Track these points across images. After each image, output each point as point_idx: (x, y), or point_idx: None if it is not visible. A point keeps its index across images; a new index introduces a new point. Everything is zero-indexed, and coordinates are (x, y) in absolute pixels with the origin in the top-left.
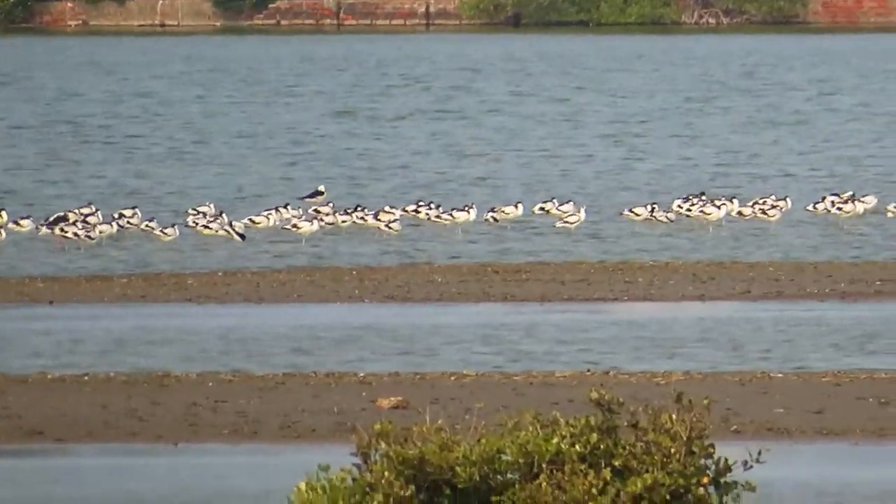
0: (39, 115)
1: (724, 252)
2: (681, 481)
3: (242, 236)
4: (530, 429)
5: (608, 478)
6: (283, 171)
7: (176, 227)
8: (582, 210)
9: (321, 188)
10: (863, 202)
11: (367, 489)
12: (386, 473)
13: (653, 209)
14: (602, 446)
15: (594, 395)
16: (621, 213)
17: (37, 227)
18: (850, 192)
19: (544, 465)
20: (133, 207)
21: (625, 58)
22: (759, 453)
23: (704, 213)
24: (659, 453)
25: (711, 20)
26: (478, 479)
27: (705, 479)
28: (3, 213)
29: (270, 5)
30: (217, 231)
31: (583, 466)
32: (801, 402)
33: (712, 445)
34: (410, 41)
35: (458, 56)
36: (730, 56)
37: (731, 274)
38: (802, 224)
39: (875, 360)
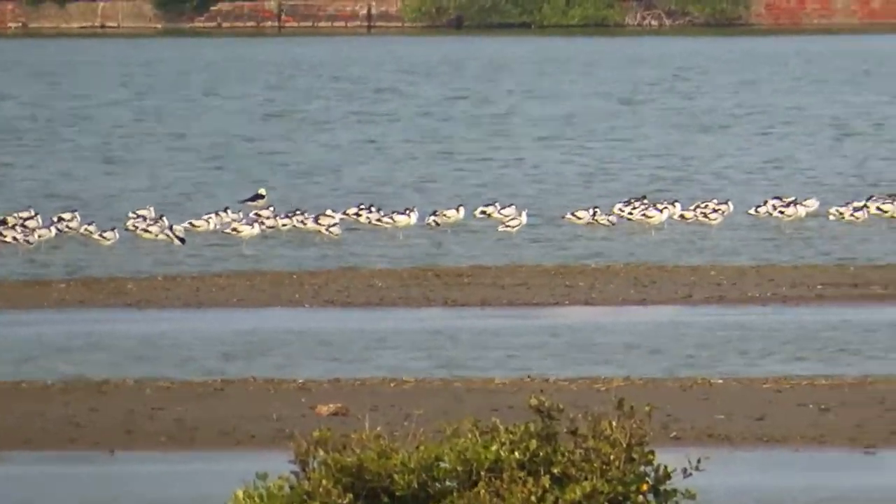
0: None
1: (665, 256)
2: (620, 489)
3: (182, 240)
4: (469, 436)
5: (547, 485)
6: (213, 175)
7: (116, 231)
8: (523, 214)
9: (262, 191)
10: (804, 205)
11: (305, 497)
12: (324, 481)
13: (594, 213)
14: (541, 453)
15: (534, 401)
16: (563, 217)
17: None
18: (793, 197)
19: (483, 473)
20: (73, 211)
21: (563, 60)
22: (700, 460)
23: (646, 216)
24: (598, 460)
25: (654, 22)
26: (416, 486)
27: (644, 487)
28: None
29: (212, 8)
30: (157, 235)
31: (522, 474)
32: (741, 408)
33: (652, 452)
34: (349, 43)
35: (393, 58)
36: (669, 58)
37: (673, 278)
38: (744, 228)
39: (816, 366)
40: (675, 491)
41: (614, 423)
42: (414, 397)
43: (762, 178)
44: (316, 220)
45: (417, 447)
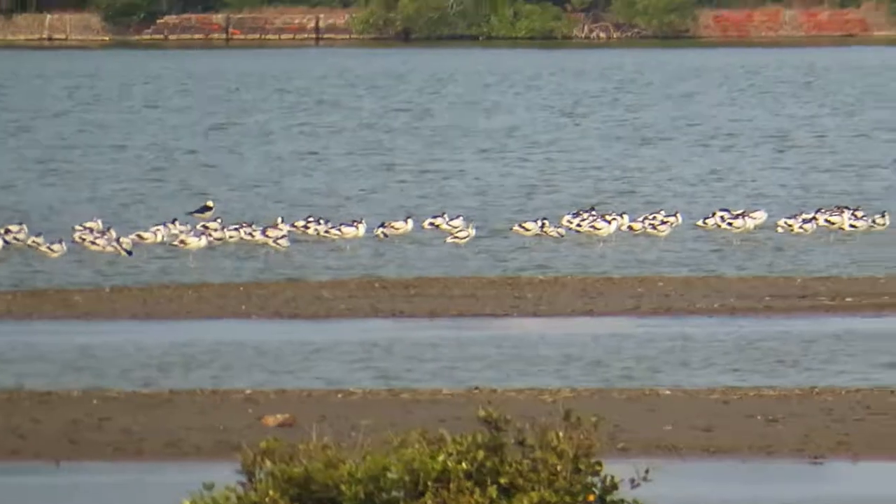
0: None
1: (613, 267)
2: (567, 499)
3: (129, 252)
4: (416, 446)
5: (494, 496)
6: (153, 187)
7: (63, 243)
8: (471, 225)
9: (209, 203)
10: (752, 217)
11: None
12: (271, 492)
13: (543, 224)
14: (489, 464)
15: (481, 412)
16: (511, 229)
17: None
18: (741, 209)
19: (430, 483)
20: (20, 223)
21: (509, 72)
22: (647, 471)
23: (595, 227)
24: (545, 471)
25: (602, 34)
26: (363, 496)
27: (591, 497)
28: None
29: (159, 20)
30: (105, 247)
31: (469, 484)
32: (689, 419)
33: (599, 463)
34: (296, 56)
35: (338, 71)
36: (614, 70)
37: (621, 289)
38: (692, 239)
39: (763, 377)
40: (622, 501)
41: (561, 434)
42: (361, 408)
43: (705, 189)
44: (263, 231)
45: (364, 458)
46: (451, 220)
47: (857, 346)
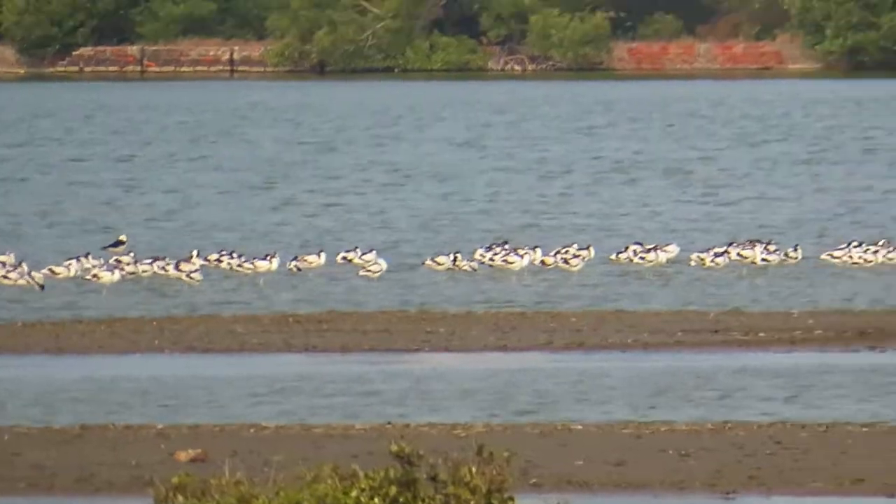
0: None
1: (526, 301)
2: None
3: (42, 286)
4: (329, 481)
5: None
6: (47, 219)
7: None
8: (382, 259)
9: (122, 237)
10: (665, 251)
11: None
12: None
13: (455, 258)
14: (401, 499)
15: (394, 447)
16: (424, 263)
17: None
18: (654, 243)
19: None
20: None
21: (419, 105)
22: None
23: (507, 261)
24: None
25: (517, 67)
26: None
27: None
28: None
29: (74, 52)
30: (17, 281)
31: None
32: (601, 453)
33: (512, 498)
34: (209, 88)
35: (248, 103)
36: (525, 103)
37: (534, 324)
38: (605, 273)
39: (675, 412)
40: None
41: (474, 469)
42: (273, 443)
43: (611, 223)
44: (177, 266)
45: (277, 493)
46: (364, 254)
47: (768, 381)
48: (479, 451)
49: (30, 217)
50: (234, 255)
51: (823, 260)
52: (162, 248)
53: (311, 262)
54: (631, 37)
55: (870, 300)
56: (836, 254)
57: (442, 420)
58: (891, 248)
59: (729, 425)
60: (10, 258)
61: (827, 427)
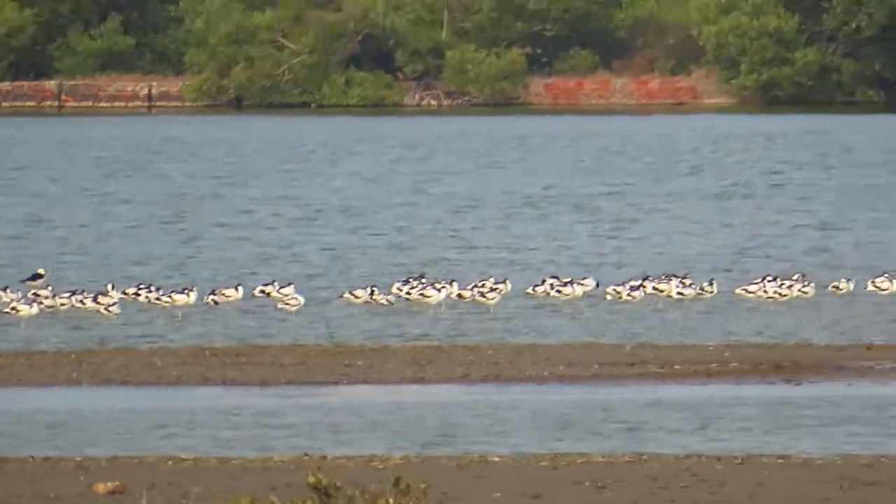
0: None
1: (443, 335)
2: None
3: None
4: None
5: None
6: None
7: None
8: (300, 294)
9: (41, 271)
10: (582, 284)
11: None
12: None
13: (372, 292)
14: None
15: (311, 479)
16: (341, 296)
17: None
18: (569, 277)
19: None
20: None
21: (332, 139)
22: None
23: (424, 295)
24: None
25: (434, 102)
26: None
27: None
28: None
29: None
30: None
31: None
32: (518, 486)
33: None
34: (123, 124)
35: (162, 138)
36: (438, 138)
37: (451, 357)
38: (521, 307)
39: (591, 444)
40: None
41: (391, 501)
42: (192, 475)
43: (521, 257)
44: (95, 299)
45: None
46: (281, 287)
47: (684, 414)
48: (397, 483)
49: None
50: (152, 288)
51: (738, 294)
52: (76, 282)
53: (228, 296)
54: (547, 72)
55: (784, 334)
56: (750, 288)
57: (359, 452)
58: (805, 283)
59: (645, 457)
60: None
61: (742, 459)
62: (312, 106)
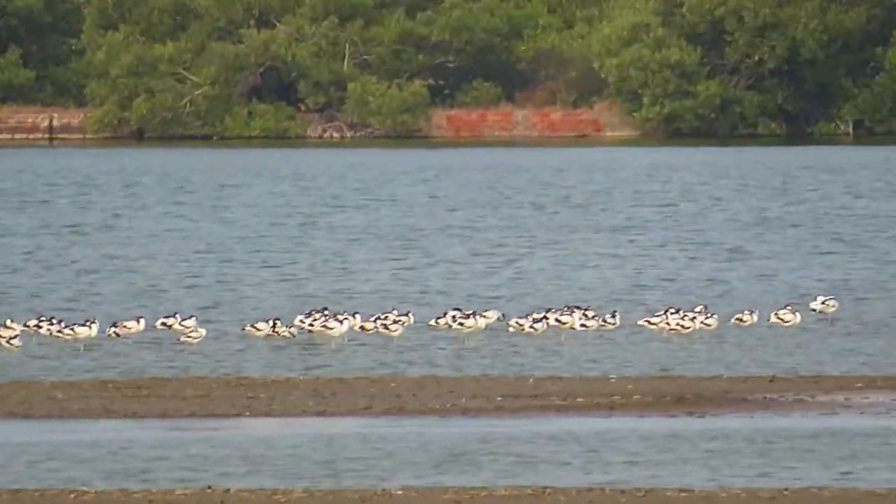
0: None
1: (345, 367)
2: None
3: None
4: None
5: None
6: None
7: None
8: (202, 328)
9: None
10: (485, 316)
11: None
12: None
13: (275, 324)
14: None
15: None
16: (244, 328)
17: None
18: (472, 309)
19: None
20: None
21: (235, 172)
22: None
23: (327, 327)
24: None
25: (336, 134)
26: None
27: None
28: None
29: None
30: None
31: None
32: None
33: None
34: (22, 156)
35: (54, 171)
36: (332, 171)
37: (353, 389)
38: (424, 339)
39: (496, 477)
40: None
41: None
42: None
43: (411, 290)
44: None
45: None
46: (183, 320)
47: (587, 446)
48: None
49: None
50: (53, 320)
51: (641, 326)
52: None
53: (130, 328)
54: (450, 104)
55: (687, 366)
56: (653, 320)
57: (262, 485)
58: (707, 315)
59: (549, 491)
60: None
61: (645, 492)
62: (214, 138)
